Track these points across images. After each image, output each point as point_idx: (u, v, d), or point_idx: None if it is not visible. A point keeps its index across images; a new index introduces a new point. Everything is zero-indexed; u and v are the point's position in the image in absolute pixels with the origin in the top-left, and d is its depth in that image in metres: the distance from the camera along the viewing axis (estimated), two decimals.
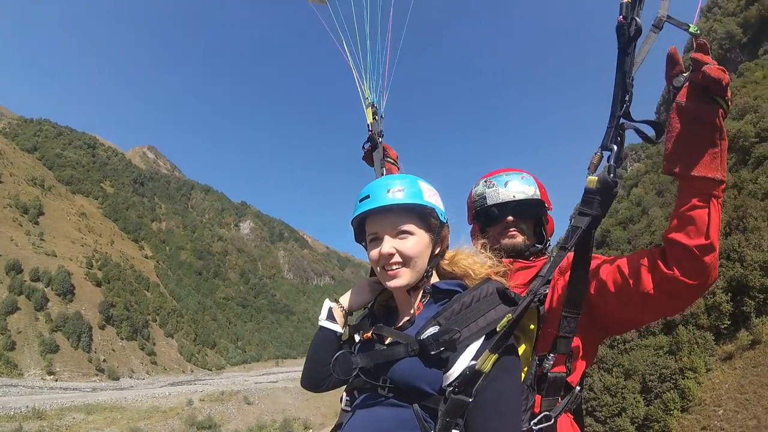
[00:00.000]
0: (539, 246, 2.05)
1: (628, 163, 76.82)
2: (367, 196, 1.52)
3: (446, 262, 1.61)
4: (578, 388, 1.73)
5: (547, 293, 1.72)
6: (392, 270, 1.49)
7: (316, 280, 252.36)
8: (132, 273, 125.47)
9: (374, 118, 2.49)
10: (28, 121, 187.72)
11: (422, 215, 1.52)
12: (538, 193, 2.02)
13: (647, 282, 1.50)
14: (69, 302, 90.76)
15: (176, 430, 52.19)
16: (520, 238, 2.01)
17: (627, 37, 1.36)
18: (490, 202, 2.03)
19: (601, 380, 26.69)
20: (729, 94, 1.31)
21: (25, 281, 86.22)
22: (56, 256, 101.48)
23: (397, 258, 1.48)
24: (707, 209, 1.36)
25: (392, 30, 2.43)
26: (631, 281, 1.55)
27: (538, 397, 1.57)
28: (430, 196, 1.54)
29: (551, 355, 1.56)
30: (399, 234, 1.49)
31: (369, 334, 1.56)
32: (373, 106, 2.49)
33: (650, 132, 1.43)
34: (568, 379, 1.63)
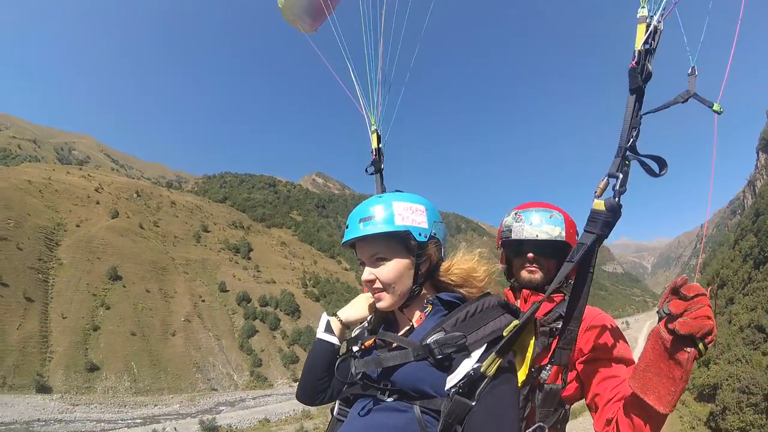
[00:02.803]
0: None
1: None
2: (348, 226, 1.54)
3: (442, 274, 1.57)
4: (567, 405, 1.80)
5: (560, 328, 1.80)
6: (376, 294, 1.52)
7: None
8: (341, 285, 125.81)
9: (378, 144, 2.45)
10: (212, 177, 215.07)
11: (398, 239, 1.49)
12: (563, 234, 2.03)
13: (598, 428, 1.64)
14: (298, 319, 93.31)
15: None
16: (538, 275, 2.06)
17: (638, 81, 1.41)
18: (514, 236, 2.08)
19: None
20: (711, 338, 1.24)
21: (257, 308, 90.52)
22: (275, 283, 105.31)
23: (377, 284, 1.49)
24: (643, 423, 1.41)
25: (388, 64, 2.37)
26: (596, 418, 1.67)
27: (531, 409, 1.64)
28: (405, 218, 1.49)
29: (548, 366, 1.62)
30: (376, 261, 1.50)
31: (371, 341, 1.53)
32: (377, 132, 2.45)
33: (654, 166, 1.43)
34: (562, 394, 1.68)
